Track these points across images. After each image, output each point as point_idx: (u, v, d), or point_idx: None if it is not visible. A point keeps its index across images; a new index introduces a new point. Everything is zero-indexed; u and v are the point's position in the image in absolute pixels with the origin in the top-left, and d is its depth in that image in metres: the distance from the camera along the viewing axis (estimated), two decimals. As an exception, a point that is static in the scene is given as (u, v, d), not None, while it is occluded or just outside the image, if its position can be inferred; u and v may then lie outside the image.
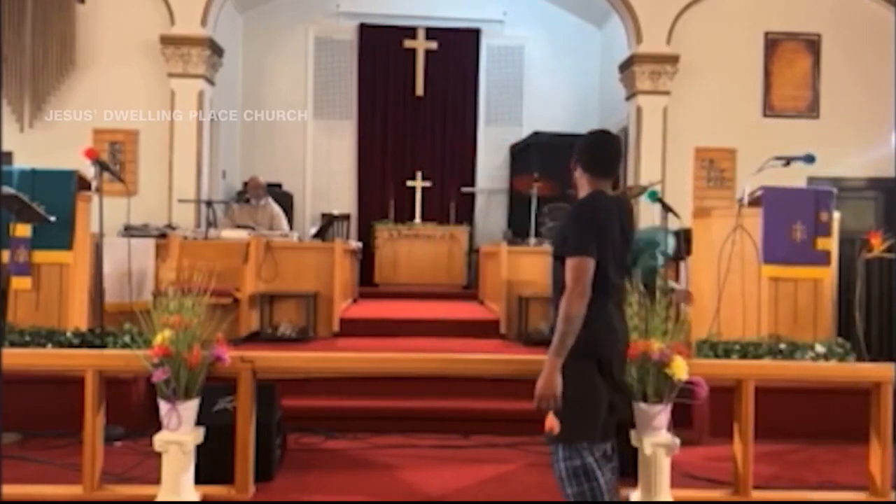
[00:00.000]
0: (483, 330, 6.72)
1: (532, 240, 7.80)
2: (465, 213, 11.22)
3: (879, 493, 3.53)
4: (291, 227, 8.63)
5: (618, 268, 2.81)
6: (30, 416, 4.09)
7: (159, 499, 3.22)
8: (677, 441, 3.27)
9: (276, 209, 7.99)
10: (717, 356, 4.53)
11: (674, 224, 5.53)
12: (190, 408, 3.25)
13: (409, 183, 10.96)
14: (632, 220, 3.03)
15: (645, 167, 8.95)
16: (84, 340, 4.63)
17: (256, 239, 6.58)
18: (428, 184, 11.00)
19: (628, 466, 3.33)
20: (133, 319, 4.45)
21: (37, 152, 7.71)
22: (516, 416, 4.55)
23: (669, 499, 3.28)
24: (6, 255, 4.66)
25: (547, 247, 6.90)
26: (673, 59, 8.97)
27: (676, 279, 6.03)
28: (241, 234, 6.81)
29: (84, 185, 5.10)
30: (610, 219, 2.79)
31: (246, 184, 8.64)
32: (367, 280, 9.86)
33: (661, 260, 5.16)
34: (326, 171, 11.36)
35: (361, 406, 4.73)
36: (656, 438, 3.24)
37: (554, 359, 2.62)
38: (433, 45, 11.39)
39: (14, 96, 8.54)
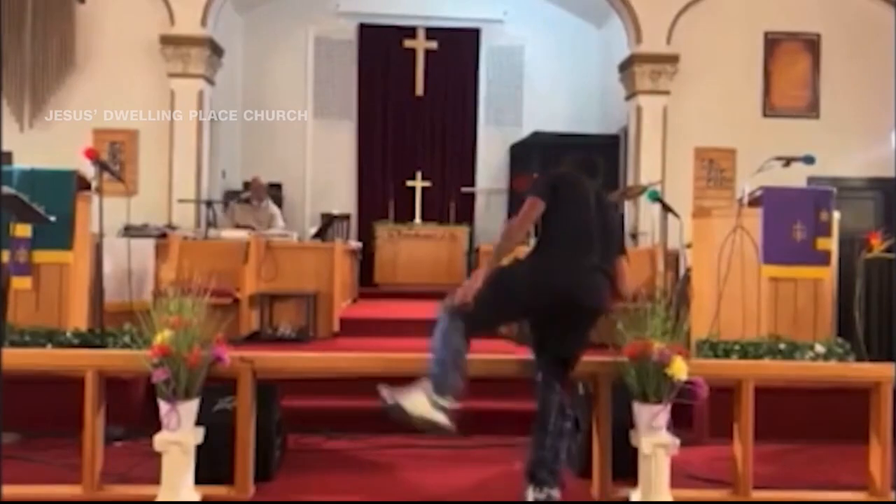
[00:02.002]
0: (483, 330, 6.70)
1: (532, 240, 7.78)
2: (465, 213, 11.22)
3: (879, 493, 3.53)
4: (292, 228, 8.64)
5: (577, 236, 3.25)
6: (30, 416, 4.09)
7: (159, 499, 3.22)
8: (677, 441, 3.27)
9: (275, 208, 8.05)
10: (717, 356, 4.53)
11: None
12: (190, 408, 3.25)
13: (409, 183, 10.96)
14: (612, 218, 3.50)
15: (645, 167, 8.96)
16: (84, 340, 4.62)
17: (256, 239, 6.59)
18: (428, 184, 11.00)
19: (628, 466, 3.34)
20: (133, 319, 4.45)
21: (37, 152, 7.70)
22: (516, 416, 4.53)
23: (669, 499, 3.28)
24: (6, 255, 4.65)
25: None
26: (673, 59, 8.97)
27: (676, 271, 6.04)
28: (241, 234, 6.82)
29: (84, 185, 5.09)
30: (571, 183, 3.32)
31: (247, 184, 8.64)
32: (367, 280, 9.87)
33: None
34: (326, 171, 11.36)
35: (361, 406, 4.70)
36: (656, 438, 3.24)
37: (486, 267, 3.20)
38: (433, 44, 11.40)
39: (14, 96, 8.55)
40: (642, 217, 8.56)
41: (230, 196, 8.72)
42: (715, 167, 9.06)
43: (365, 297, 8.92)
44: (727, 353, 4.56)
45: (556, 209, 3.23)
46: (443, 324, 3.23)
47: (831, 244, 5.07)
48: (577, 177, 3.42)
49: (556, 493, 3.27)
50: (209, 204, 7.71)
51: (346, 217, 10.80)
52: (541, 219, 3.28)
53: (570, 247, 3.26)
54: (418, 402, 3.02)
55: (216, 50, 9.11)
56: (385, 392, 3.06)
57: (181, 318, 3.23)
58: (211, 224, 7.47)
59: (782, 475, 3.87)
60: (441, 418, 3.02)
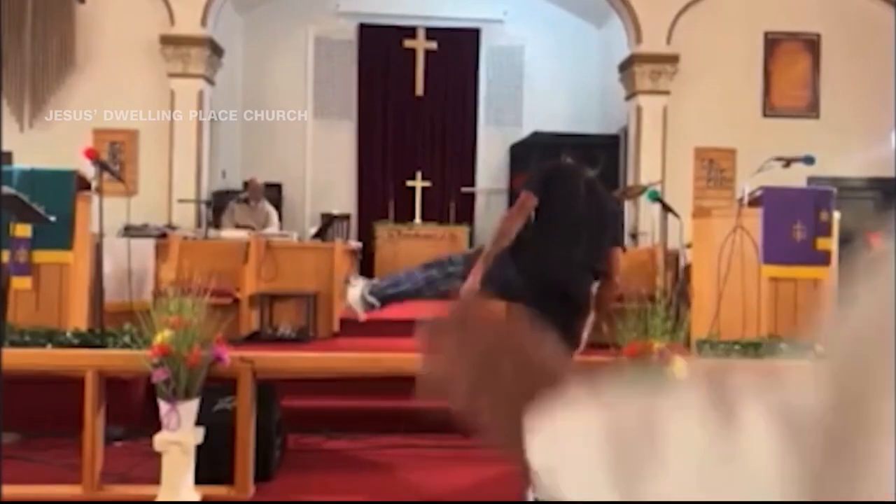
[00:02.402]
0: (483, 330, 6.70)
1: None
2: (465, 213, 11.21)
3: (879, 493, 3.52)
4: (292, 228, 8.65)
5: (566, 230, 3.28)
6: (30, 416, 4.09)
7: (159, 499, 3.22)
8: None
9: (271, 208, 8.09)
10: (717, 356, 4.53)
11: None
12: (190, 408, 3.25)
13: (409, 183, 10.95)
14: (609, 209, 3.51)
15: (645, 167, 8.96)
16: (84, 340, 4.60)
17: (256, 239, 6.59)
18: (428, 184, 10.99)
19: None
20: (133, 319, 4.45)
21: (37, 152, 7.70)
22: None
23: (669, 499, 3.27)
24: (6, 255, 4.66)
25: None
26: (673, 59, 8.97)
27: (676, 271, 6.03)
28: (241, 234, 6.82)
29: (84, 185, 5.10)
30: (564, 176, 3.36)
31: (246, 184, 8.66)
32: (366, 280, 9.85)
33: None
34: (326, 171, 11.35)
35: (361, 406, 4.73)
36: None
37: (480, 263, 3.18)
38: (433, 45, 11.39)
39: (14, 96, 8.55)
40: (642, 217, 8.56)
41: (220, 196, 8.70)
42: (715, 167, 9.06)
43: (365, 297, 8.90)
44: (727, 353, 4.55)
45: (547, 203, 3.28)
46: (433, 274, 3.56)
47: (831, 244, 5.07)
48: (571, 168, 3.46)
49: None
50: (209, 204, 7.72)
51: (346, 217, 10.80)
52: (534, 211, 3.32)
53: (557, 241, 3.29)
54: (355, 290, 3.61)
55: (216, 50, 9.11)
56: (352, 275, 3.77)
57: (181, 318, 3.23)
58: (211, 224, 7.48)
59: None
60: (359, 309, 3.61)
